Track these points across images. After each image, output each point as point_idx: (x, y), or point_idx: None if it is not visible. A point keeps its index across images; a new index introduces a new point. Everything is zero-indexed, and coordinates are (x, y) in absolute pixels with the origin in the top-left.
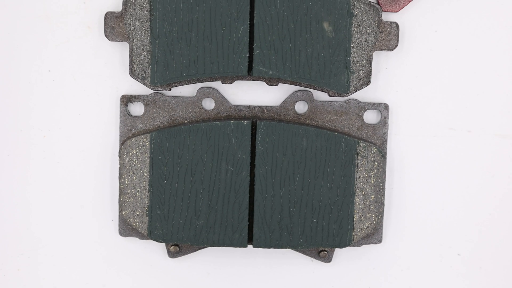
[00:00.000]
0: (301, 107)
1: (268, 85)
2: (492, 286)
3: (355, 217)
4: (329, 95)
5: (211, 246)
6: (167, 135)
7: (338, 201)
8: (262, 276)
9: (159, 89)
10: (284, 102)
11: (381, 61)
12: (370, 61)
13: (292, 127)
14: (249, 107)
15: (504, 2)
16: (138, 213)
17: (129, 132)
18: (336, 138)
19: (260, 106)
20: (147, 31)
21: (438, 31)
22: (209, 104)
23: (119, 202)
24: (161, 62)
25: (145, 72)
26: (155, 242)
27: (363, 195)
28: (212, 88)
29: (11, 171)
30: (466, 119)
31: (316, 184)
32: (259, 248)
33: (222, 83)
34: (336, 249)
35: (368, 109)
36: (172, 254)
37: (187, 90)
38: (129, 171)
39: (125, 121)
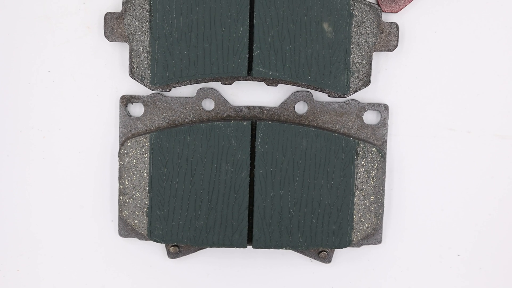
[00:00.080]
0: (300, 108)
1: (268, 85)
2: (491, 286)
3: (355, 218)
4: (329, 96)
5: (210, 246)
6: (167, 136)
7: (338, 201)
8: (262, 277)
9: (159, 89)
10: (284, 102)
11: (381, 61)
12: (370, 62)
13: (292, 128)
14: (248, 107)
15: (504, 2)
16: (137, 213)
17: (128, 133)
18: (335, 138)
19: (260, 107)
20: (147, 31)
21: (437, 31)
22: (208, 104)
23: (118, 202)
24: (160, 62)
25: (144, 72)
26: (154, 242)
27: (362, 195)
28: (212, 88)
29: (10, 172)
30: (466, 120)
31: (316, 184)
32: (259, 249)
33: (222, 83)
34: (336, 249)
35: (367, 109)
36: (171, 255)
37: (187, 91)
38: (129, 172)
39: (124, 121)
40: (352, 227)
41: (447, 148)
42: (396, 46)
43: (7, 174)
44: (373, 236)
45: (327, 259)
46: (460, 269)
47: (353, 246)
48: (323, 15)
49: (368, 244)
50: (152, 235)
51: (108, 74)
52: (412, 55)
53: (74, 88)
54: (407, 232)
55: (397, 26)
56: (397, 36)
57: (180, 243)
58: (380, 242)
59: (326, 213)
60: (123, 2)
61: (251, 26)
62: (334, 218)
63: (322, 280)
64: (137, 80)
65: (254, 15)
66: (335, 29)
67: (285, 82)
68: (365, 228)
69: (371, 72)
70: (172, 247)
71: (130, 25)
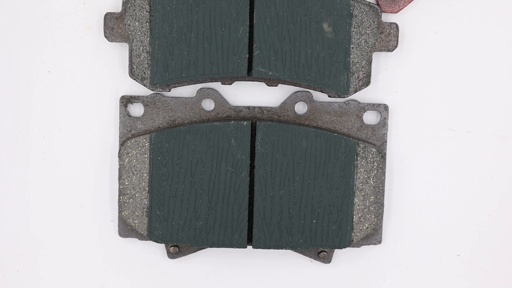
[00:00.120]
0: (300, 108)
1: (268, 85)
2: (491, 286)
3: (355, 218)
4: (329, 96)
5: (210, 246)
6: (167, 136)
7: (338, 201)
8: (262, 277)
9: (158, 89)
10: (284, 103)
11: (381, 62)
12: (369, 62)
13: (292, 128)
14: (248, 107)
15: (504, 2)
16: (137, 213)
17: (128, 133)
18: (335, 139)
19: (259, 107)
20: (147, 32)
21: (437, 32)
22: (208, 104)
23: (118, 202)
24: (160, 63)
25: (144, 72)
26: (154, 242)
27: (362, 195)
28: (212, 89)
29: (10, 172)
30: (466, 120)
31: (316, 184)
32: (259, 249)
33: (221, 83)
34: (336, 249)
35: (367, 110)
36: (171, 255)
37: (186, 91)
38: (129, 172)
39: (124, 121)
40: (352, 227)
41: (447, 148)
42: (396, 46)
43: (7, 174)
44: (373, 236)
45: (327, 259)
46: (460, 269)
47: (353, 246)
48: (323, 15)
49: (368, 244)
50: (152, 235)
51: (108, 74)
52: (412, 55)
53: (74, 88)
54: (407, 232)
55: (397, 26)
56: (397, 36)
57: (180, 243)
58: (380, 242)
59: (326, 213)
60: (123, 2)
61: (251, 26)
62: (334, 218)
63: (322, 280)
64: (137, 80)
65: (254, 15)
66: (335, 29)
67: (285, 82)
68: (365, 228)
69: (371, 72)
70: (172, 247)
71: (130, 25)
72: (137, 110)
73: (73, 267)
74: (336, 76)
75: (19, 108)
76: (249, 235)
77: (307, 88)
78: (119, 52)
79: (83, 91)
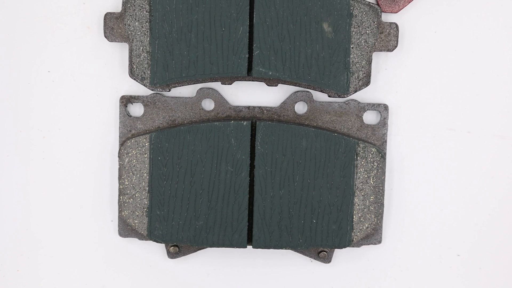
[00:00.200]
0: (300, 108)
1: (268, 85)
2: (491, 286)
3: (355, 218)
4: (329, 96)
5: (210, 246)
6: (167, 136)
7: (338, 201)
8: (262, 277)
9: (158, 89)
10: (284, 102)
11: (381, 61)
12: (369, 62)
13: (292, 128)
14: (248, 107)
15: (504, 2)
16: (137, 213)
17: (128, 133)
18: (335, 138)
19: (259, 107)
20: (147, 31)
21: (437, 31)
22: (208, 104)
23: (118, 202)
24: (160, 62)
25: (144, 72)
26: (154, 242)
27: (362, 195)
28: (212, 88)
29: (10, 172)
30: (466, 120)
31: (316, 184)
32: (259, 249)
33: (221, 83)
34: (336, 249)
35: (367, 109)
36: (171, 255)
37: (186, 91)
38: (129, 172)
39: (124, 121)
40: (352, 227)
41: (447, 148)
42: (396, 46)
43: (7, 174)
44: (373, 236)
45: (327, 259)
46: (460, 269)
47: (353, 246)
48: (323, 15)
49: (368, 244)
50: (152, 235)
51: (108, 74)
52: (412, 55)
53: (74, 88)
54: (407, 232)
55: (396, 26)
56: (397, 36)
57: (180, 243)
58: (380, 242)
59: (326, 213)
60: (123, 2)
61: (251, 26)
62: (334, 218)
63: (322, 280)
64: (137, 80)
65: (254, 15)
66: (335, 29)
67: (285, 82)
68: (365, 228)
69: (371, 72)
70: (172, 247)
71: (130, 25)
72: (137, 110)
73: (73, 267)
74: (336, 76)
75: (19, 108)
76: (249, 235)
77: (307, 88)
78: (119, 52)
79: (83, 91)
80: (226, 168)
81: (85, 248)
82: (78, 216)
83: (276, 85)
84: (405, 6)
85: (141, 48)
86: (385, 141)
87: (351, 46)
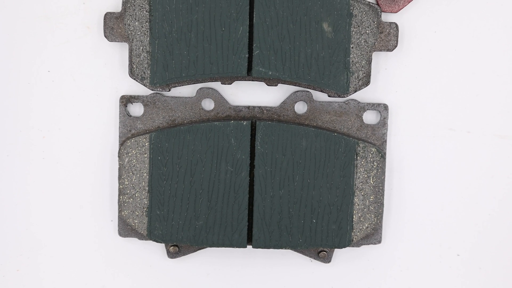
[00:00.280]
0: (300, 108)
1: (268, 85)
2: (491, 286)
3: (355, 218)
4: (329, 96)
5: (210, 246)
6: (167, 136)
7: (338, 201)
8: (262, 277)
9: (158, 89)
10: (284, 102)
11: (381, 61)
12: (369, 62)
13: (292, 128)
14: (248, 107)
15: (504, 2)
16: (137, 213)
17: (128, 133)
18: (335, 138)
19: (259, 107)
20: (147, 31)
21: (437, 31)
22: (208, 104)
23: (118, 202)
24: (160, 62)
25: (144, 72)
26: (154, 242)
27: (362, 195)
28: (212, 88)
29: (10, 172)
30: (466, 120)
31: (316, 184)
32: (259, 249)
33: (221, 83)
34: (336, 249)
35: (367, 109)
36: (171, 255)
37: (186, 91)
38: (129, 172)
39: (124, 121)
40: (351, 227)
41: (447, 148)
42: (395, 46)
43: (7, 174)
44: (373, 236)
45: (327, 259)
46: (460, 269)
47: (353, 246)
48: (323, 15)
49: (368, 244)
50: (152, 235)
51: (108, 74)
52: (412, 55)
53: (74, 88)
54: (407, 232)
55: (396, 26)
56: (397, 36)
57: (180, 243)
58: (379, 242)
59: (325, 213)
60: (123, 2)
61: (251, 26)
62: (333, 218)
63: (322, 280)
64: (137, 80)
65: (254, 15)
66: (335, 29)
67: (285, 82)
68: (364, 228)
69: (370, 72)
70: (172, 247)
71: (130, 25)
72: (137, 110)
73: (73, 267)
74: (336, 76)
75: (19, 108)
76: (249, 235)
77: (307, 87)
78: (119, 52)
79: (83, 91)
80: (226, 168)
81: (85, 248)
82: (78, 216)
83: (276, 85)
84: (405, 6)
85: (141, 48)
86: (385, 141)
87: (351, 46)
